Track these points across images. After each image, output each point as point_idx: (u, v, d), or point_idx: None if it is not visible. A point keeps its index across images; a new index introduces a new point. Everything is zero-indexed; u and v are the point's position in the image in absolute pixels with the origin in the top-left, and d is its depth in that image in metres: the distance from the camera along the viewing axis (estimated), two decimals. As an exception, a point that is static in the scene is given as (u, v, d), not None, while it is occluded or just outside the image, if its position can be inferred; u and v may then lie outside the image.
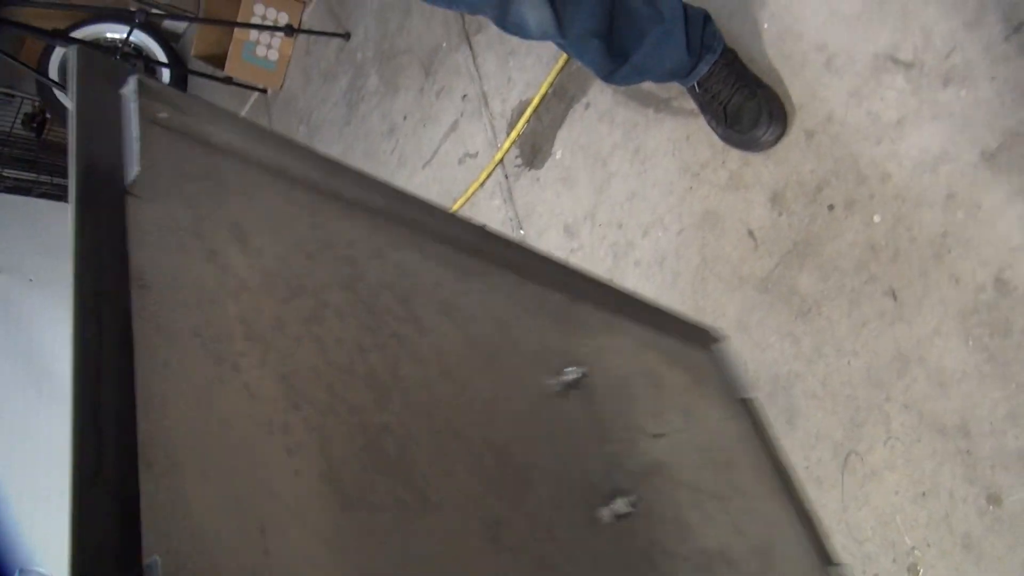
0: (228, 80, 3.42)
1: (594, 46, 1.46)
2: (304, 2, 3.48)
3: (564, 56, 2.08)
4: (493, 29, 2.22)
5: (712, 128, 1.72)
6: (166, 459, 0.43)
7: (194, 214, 0.55)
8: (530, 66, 2.25)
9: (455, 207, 2.40)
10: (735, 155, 1.67)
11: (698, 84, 1.64)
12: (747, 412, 0.95)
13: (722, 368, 0.98)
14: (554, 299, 0.82)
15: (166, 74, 3.70)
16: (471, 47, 2.49)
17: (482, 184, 2.33)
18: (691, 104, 1.73)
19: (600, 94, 2.01)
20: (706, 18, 1.60)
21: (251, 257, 0.56)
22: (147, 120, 0.56)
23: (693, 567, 0.74)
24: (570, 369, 0.75)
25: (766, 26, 1.67)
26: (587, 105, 2.05)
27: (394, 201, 0.70)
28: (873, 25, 1.48)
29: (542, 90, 2.16)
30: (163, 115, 0.57)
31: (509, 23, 1.38)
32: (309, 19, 3.47)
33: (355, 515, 0.50)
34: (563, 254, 2.02)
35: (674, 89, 1.78)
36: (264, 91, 3.60)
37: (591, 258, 1.97)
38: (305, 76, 3.44)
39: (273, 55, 3.51)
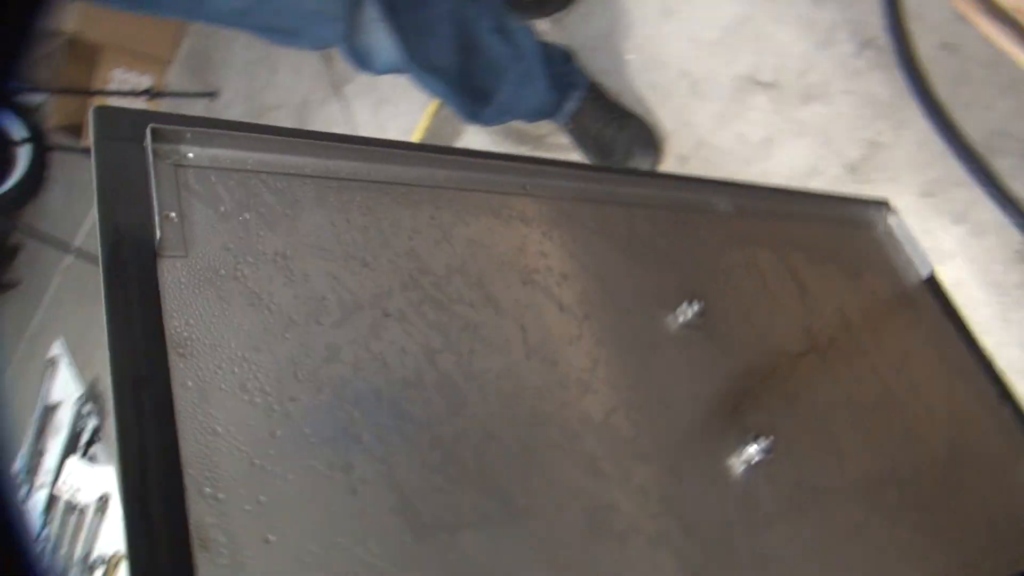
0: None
1: (446, 82, 1.45)
2: (166, 63, 3.29)
3: (437, 100, 2.01)
4: (363, 78, 2.17)
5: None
6: (223, 535, 0.43)
7: (234, 255, 0.54)
8: (403, 113, 2.18)
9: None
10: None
11: (569, 120, 1.64)
12: (929, 291, 0.89)
13: (894, 246, 0.92)
14: (664, 222, 0.76)
15: (25, 152, 3.48)
16: (342, 97, 2.40)
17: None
18: (565, 139, 1.72)
19: (475, 136, 1.96)
20: (566, 55, 1.62)
21: (298, 287, 0.55)
22: (173, 166, 0.55)
23: (852, 498, 0.68)
24: (686, 305, 0.69)
25: (630, 58, 1.69)
26: (462, 149, 2.02)
27: (459, 169, 0.66)
28: (732, 49, 1.53)
29: (416, 136, 2.07)
30: (191, 155, 0.56)
31: (356, 55, 1.36)
32: (173, 80, 3.31)
33: (433, 542, 0.49)
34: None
35: (547, 126, 1.77)
36: (131, 158, 3.44)
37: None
38: (174, 140, 3.31)
39: (138, 120, 3.36)
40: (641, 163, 1.62)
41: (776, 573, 0.61)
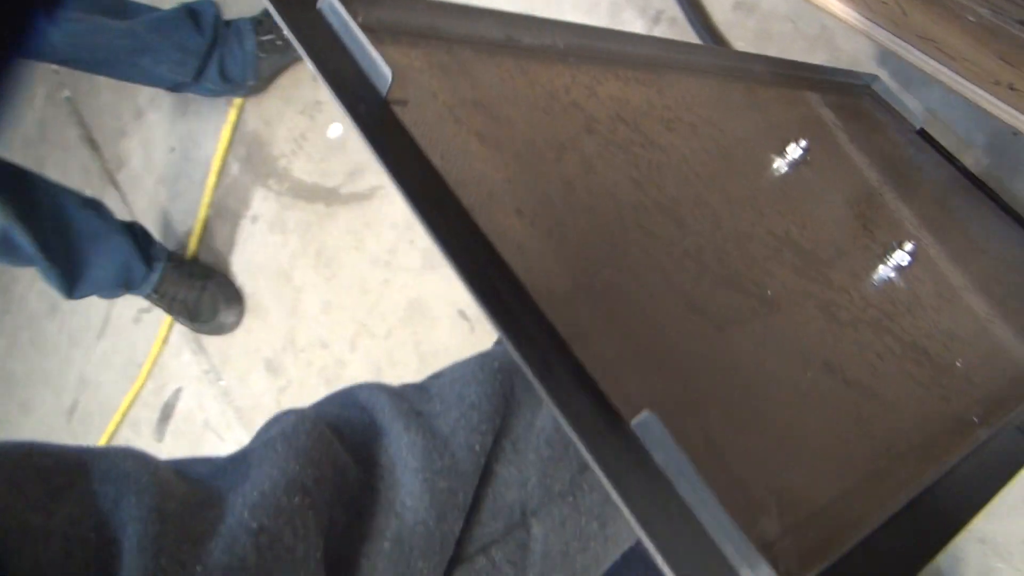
0: None
1: (48, 257, 1.51)
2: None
3: (215, 171, 1.93)
4: (135, 161, 2.10)
5: (184, 325, 1.88)
6: (592, 327, 0.43)
7: (443, 103, 0.52)
8: (183, 191, 2.02)
9: (141, 376, 2.07)
10: (420, 231, 1.66)
11: (154, 291, 1.76)
12: (924, 140, 1.00)
13: (887, 107, 1.01)
14: (731, 87, 0.80)
15: None
16: (117, 186, 2.19)
17: (165, 340, 2.02)
18: (363, 186, 1.70)
19: (264, 202, 1.86)
20: (145, 230, 1.78)
21: (506, 128, 0.54)
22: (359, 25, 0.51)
23: (981, 300, 0.75)
24: (793, 145, 0.74)
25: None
26: (254, 218, 1.88)
27: (574, 38, 0.67)
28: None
29: (201, 214, 1.95)
30: (360, 18, 0.53)
31: None
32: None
33: (731, 335, 0.51)
34: (272, 396, 1.82)
35: (340, 175, 1.72)
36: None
37: (303, 391, 1.76)
38: (-53, 267, 2.95)
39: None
40: (226, 317, 1.79)
41: (957, 350, 0.66)
